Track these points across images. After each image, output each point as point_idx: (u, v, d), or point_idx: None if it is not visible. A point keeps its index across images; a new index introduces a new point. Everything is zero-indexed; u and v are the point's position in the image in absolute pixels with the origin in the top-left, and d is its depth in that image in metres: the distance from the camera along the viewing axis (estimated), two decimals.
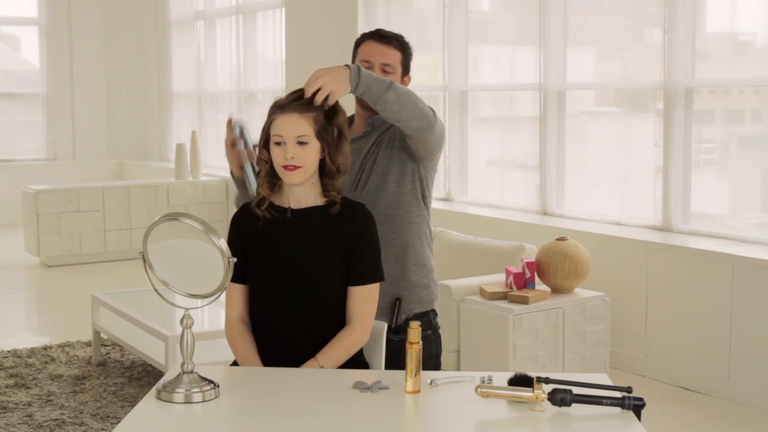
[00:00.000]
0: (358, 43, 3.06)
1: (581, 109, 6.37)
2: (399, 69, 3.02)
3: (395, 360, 2.82)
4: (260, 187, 2.66)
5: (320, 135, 2.54)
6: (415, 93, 2.82)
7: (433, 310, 3.12)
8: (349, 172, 2.84)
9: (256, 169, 2.74)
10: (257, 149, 2.67)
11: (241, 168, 2.74)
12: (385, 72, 2.97)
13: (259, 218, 2.64)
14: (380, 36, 3.02)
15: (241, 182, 2.81)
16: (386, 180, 2.97)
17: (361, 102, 3.01)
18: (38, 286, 7.92)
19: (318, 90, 2.55)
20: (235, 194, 2.92)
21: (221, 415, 2.19)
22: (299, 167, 2.54)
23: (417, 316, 2.99)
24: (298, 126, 2.52)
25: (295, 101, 2.56)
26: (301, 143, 2.53)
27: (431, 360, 3.05)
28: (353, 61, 3.04)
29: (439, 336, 3.14)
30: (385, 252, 2.80)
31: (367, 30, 3.29)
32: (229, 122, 2.75)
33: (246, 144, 2.74)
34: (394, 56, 3.00)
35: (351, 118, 3.07)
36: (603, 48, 6.25)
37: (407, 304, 3.01)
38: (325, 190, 2.63)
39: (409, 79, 3.10)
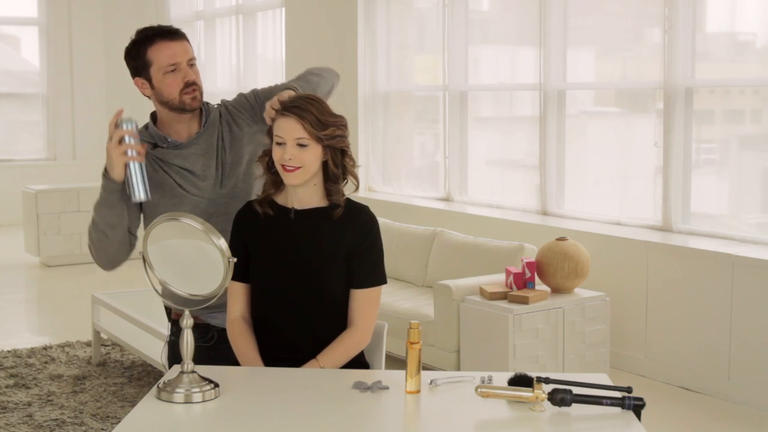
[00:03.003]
0: (143, 43, 2.74)
1: (581, 109, 6.37)
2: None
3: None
4: (264, 185, 2.65)
5: (319, 139, 2.54)
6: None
7: None
8: (207, 174, 2.79)
9: (145, 172, 2.60)
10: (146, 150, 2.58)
11: (126, 169, 2.59)
12: (191, 66, 2.77)
13: (261, 217, 2.63)
14: (173, 33, 2.77)
15: (120, 188, 2.64)
16: (250, 166, 2.85)
17: (167, 103, 2.76)
18: (38, 286, 7.92)
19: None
20: (97, 216, 2.67)
21: (221, 415, 2.19)
22: (298, 168, 2.53)
23: None
24: (296, 130, 2.52)
25: (295, 104, 2.55)
26: (300, 145, 2.53)
27: None
28: (142, 68, 2.75)
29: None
30: None
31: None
32: (118, 116, 2.59)
33: (135, 143, 2.58)
34: (191, 48, 2.80)
35: (149, 131, 2.83)
36: (603, 48, 6.25)
37: None
38: (328, 194, 2.62)
39: None
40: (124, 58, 2.81)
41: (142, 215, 2.84)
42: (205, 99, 2.88)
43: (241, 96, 2.94)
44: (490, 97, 7.05)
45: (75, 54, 11.00)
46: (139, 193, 2.60)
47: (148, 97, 2.82)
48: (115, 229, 2.71)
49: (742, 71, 5.49)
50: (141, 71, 2.76)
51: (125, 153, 2.58)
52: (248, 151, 2.84)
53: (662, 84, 5.39)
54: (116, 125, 2.59)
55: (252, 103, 2.89)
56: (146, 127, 2.86)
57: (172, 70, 2.73)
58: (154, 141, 2.81)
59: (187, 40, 2.81)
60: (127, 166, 2.59)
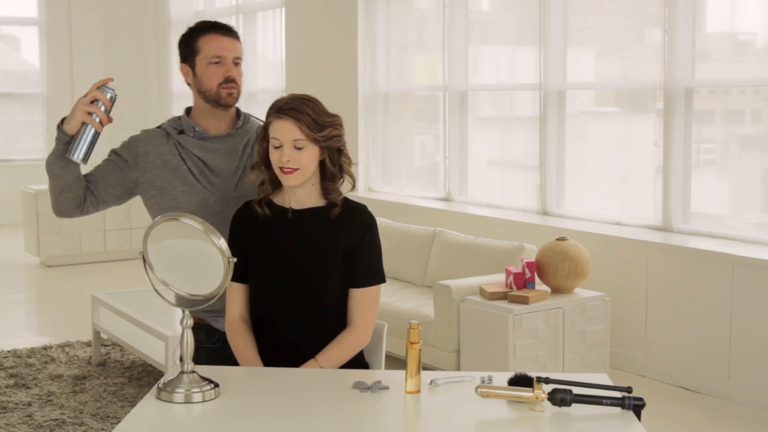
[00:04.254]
0: (197, 31, 2.85)
1: (581, 109, 6.37)
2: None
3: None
4: (260, 186, 2.66)
5: (316, 141, 2.54)
6: None
7: None
8: (223, 172, 2.82)
9: (95, 142, 2.61)
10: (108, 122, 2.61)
11: (81, 127, 2.60)
12: (236, 65, 2.83)
13: (260, 217, 2.64)
14: (227, 29, 2.86)
15: (66, 142, 2.64)
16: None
17: (204, 94, 2.83)
18: (38, 286, 7.92)
19: None
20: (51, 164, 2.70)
21: (221, 415, 2.19)
22: (296, 170, 2.54)
23: None
24: (292, 132, 2.52)
25: (291, 105, 2.54)
26: (298, 147, 2.53)
27: None
28: (189, 55, 2.83)
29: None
30: None
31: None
32: (105, 81, 2.62)
33: (105, 112, 2.60)
34: (241, 49, 2.88)
35: (180, 119, 2.90)
36: (603, 48, 6.25)
37: None
38: (325, 193, 2.62)
39: None
40: (177, 44, 2.91)
41: (140, 186, 2.84)
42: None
43: None
44: (490, 97, 7.05)
45: (75, 54, 11.00)
46: (79, 153, 2.61)
47: (189, 86, 2.89)
48: (57, 180, 2.73)
49: (742, 71, 5.49)
50: (188, 58, 2.85)
51: (89, 114, 2.60)
52: None
53: (662, 84, 5.39)
54: (98, 88, 2.61)
55: None
56: (179, 117, 2.93)
57: (216, 62, 2.81)
58: (181, 129, 2.88)
59: (239, 41, 2.88)
60: (83, 125, 2.61)
